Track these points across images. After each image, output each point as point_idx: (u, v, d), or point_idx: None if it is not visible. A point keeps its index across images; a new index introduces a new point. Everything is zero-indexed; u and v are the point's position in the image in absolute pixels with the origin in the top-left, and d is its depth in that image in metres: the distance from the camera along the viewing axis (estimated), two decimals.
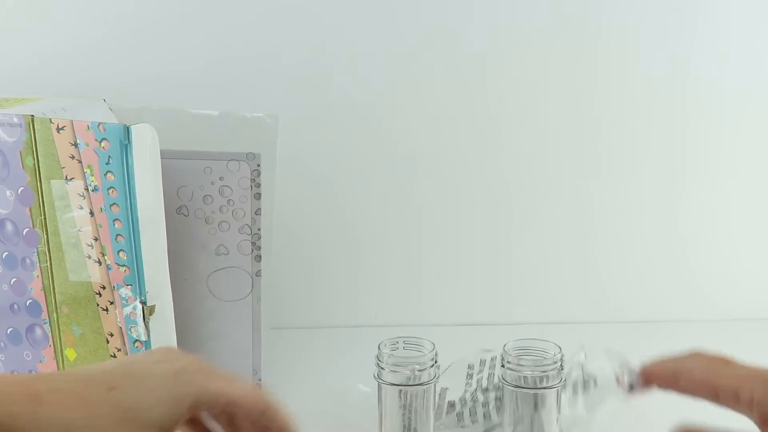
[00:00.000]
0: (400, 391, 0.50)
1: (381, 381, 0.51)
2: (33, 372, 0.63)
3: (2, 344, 0.63)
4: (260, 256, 0.68)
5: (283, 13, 0.83)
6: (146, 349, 0.59)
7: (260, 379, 0.71)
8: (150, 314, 0.58)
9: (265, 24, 0.84)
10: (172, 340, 0.60)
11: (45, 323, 0.61)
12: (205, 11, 0.83)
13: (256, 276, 0.68)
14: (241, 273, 0.68)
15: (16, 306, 0.62)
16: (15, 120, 0.57)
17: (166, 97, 0.82)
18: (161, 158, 0.57)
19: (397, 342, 0.51)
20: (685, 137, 0.88)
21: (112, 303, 0.59)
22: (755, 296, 0.93)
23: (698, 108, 0.87)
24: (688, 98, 0.87)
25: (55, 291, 0.60)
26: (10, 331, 0.62)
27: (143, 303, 0.58)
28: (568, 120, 0.87)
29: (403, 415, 0.51)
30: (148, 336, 0.58)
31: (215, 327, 0.69)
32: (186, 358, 0.43)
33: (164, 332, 0.59)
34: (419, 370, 0.50)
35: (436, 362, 0.50)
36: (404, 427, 0.52)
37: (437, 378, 0.50)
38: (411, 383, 0.50)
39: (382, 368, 0.51)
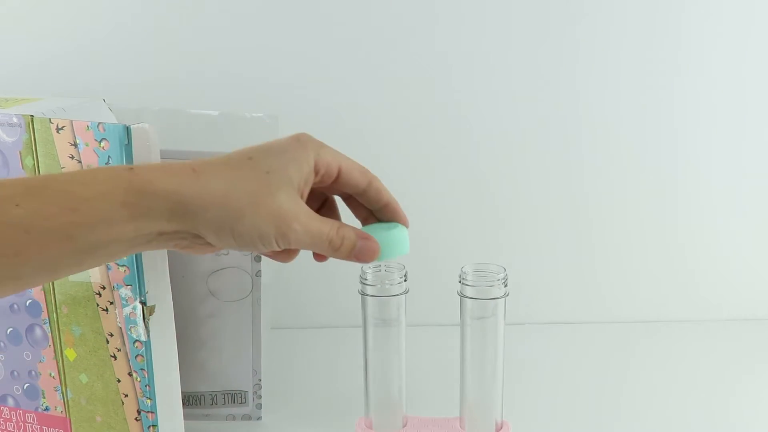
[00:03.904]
0: (378, 300, 0.63)
1: (363, 294, 0.63)
2: (33, 372, 0.63)
3: (2, 344, 0.63)
4: (260, 256, 0.68)
5: (283, 13, 0.84)
6: (146, 349, 0.59)
7: (260, 380, 0.71)
8: (150, 314, 0.58)
9: (265, 24, 0.84)
10: (172, 340, 0.60)
11: (45, 323, 0.61)
12: (205, 11, 0.83)
13: (256, 276, 0.68)
14: (241, 273, 0.68)
15: (15, 306, 0.62)
16: (15, 120, 0.57)
17: (166, 97, 0.82)
18: (161, 158, 0.57)
19: (380, 266, 0.64)
20: (685, 137, 0.88)
21: (111, 303, 0.59)
22: (754, 296, 0.93)
23: (695, 107, 0.87)
24: (686, 97, 0.87)
25: (55, 291, 0.60)
26: (10, 331, 0.62)
27: (143, 303, 0.58)
28: (567, 121, 0.87)
29: (378, 322, 0.64)
30: (148, 336, 0.58)
31: (215, 327, 0.69)
32: (303, 134, 0.53)
33: (164, 332, 0.59)
34: (390, 285, 0.63)
35: (405, 280, 0.63)
36: (377, 330, 0.65)
37: (406, 291, 0.64)
38: (385, 294, 0.63)
39: (365, 284, 0.63)
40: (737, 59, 0.85)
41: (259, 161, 0.50)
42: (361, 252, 0.53)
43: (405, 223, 0.57)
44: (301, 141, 0.52)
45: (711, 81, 0.86)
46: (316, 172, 0.52)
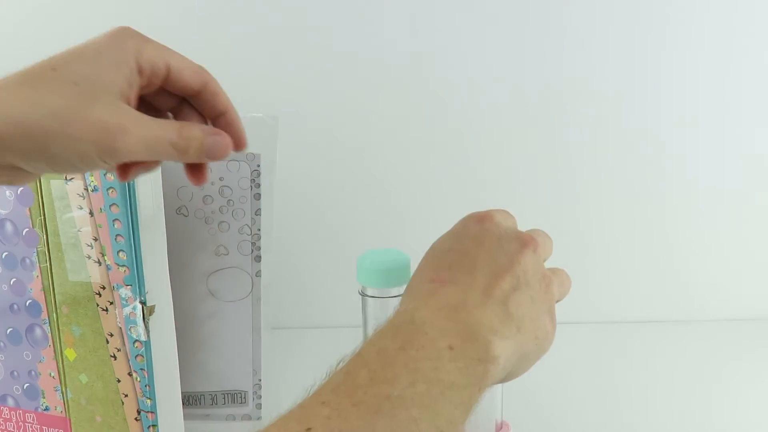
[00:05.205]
0: (377, 301, 0.62)
1: (364, 295, 0.62)
2: (33, 372, 0.63)
3: (2, 344, 0.63)
4: (260, 256, 0.68)
5: (284, 13, 0.83)
6: (146, 349, 0.59)
7: (260, 379, 0.71)
8: (150, 314, 0.58)
9: (266, 24, 0.84)
10: (172, 340, 0.60)
11: (45, 323, 0.61)
12: (206, 11, 0.83)
13: (256, 276, 0.68)
14: (241, 273, 0.68)
15: (15, 306, 0.62)
16: None
17: None
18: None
19: None
20: (686, 136, 0.88)
21: (111, 303, 0.59)
22: (754, 296, 0.93)
23: (683, 108, 0.87)
24: (674, 97, 0.87)
25: (55, 291, 0.60)
26: (10, 331, 0.62)
27: (143, 303, 0.58)
28: (560, 121, 0.87)
29: (378, 322, 0.61)
30: (148, 336, 0.58)
31: (215, 327, 0.69)
32: (122, 28, 0.45)
33: (164, 332, 0.59)
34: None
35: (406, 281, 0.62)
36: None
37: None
38: (385, 295, 0.61)
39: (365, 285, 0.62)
40: (725, 58, 0.85)
41: (65, 71, 0.42)
42: (211, 150, 0.46)
43: (242, 142, 0.50)
44: (117, 38, 0.45)
45: (701, 79, 0.86)
46: (141, 73, 0.45)
